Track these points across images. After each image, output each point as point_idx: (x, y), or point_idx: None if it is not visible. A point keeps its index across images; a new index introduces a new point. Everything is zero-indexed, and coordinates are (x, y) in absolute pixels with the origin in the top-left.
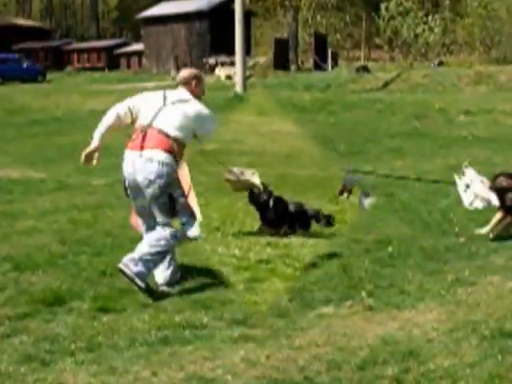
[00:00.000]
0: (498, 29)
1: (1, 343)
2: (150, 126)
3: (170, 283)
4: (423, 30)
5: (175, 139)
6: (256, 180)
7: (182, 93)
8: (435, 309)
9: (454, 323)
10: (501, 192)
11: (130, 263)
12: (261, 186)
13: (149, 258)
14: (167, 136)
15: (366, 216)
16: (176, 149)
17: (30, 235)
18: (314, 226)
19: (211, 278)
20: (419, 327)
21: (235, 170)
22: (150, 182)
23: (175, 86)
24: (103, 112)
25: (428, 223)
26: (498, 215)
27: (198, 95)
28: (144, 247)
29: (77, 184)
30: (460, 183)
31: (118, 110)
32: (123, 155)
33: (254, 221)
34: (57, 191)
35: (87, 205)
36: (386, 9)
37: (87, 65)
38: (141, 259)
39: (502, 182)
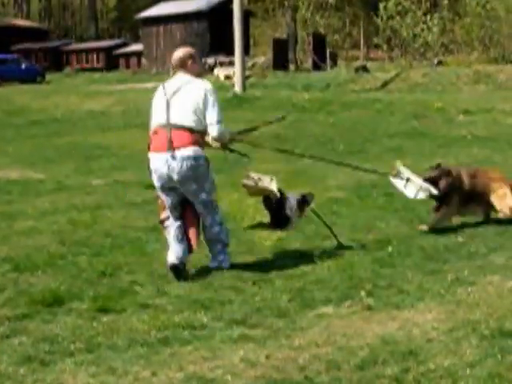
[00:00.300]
0: (496, 28)
1: (0, 344)
2: (168, 124)
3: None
4: (422, 30)
5: (196, 131)
6: (274, 187)
7: (181, 77)
8: (435, 308)
9: (454, 323)
10: (431, 183)
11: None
12: (278, 193)
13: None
14: (189, 130)
15: (366, 216)
16: (200, 139)
17: (29, 236)
18: (313, 228)
19: (210, 277)
20: (419, 327)
21: (253, 175)
22: (188, 180)
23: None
24: (102, 113)
25: (427, 223)
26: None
27: (197, 73)
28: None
29: (76, 184)
30: (397, 181)
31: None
32: (148, 159)
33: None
34: (56, 192)
35: (86, 205)
36: (385, 8)
37: (86, 65)
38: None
39: (430, 173)
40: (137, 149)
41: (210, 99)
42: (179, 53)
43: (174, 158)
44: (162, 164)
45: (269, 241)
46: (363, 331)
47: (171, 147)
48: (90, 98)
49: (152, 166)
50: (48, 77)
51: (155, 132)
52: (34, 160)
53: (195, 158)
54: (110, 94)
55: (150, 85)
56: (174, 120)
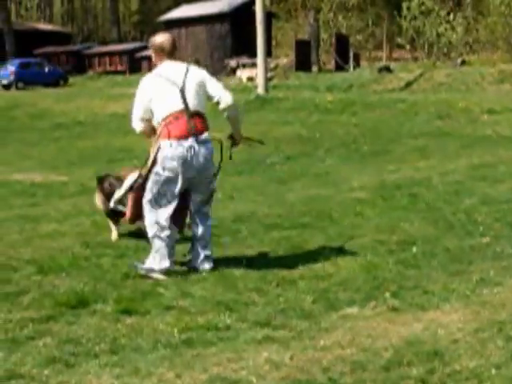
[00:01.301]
0: None
1: (25, 346)
2: (187, 110)
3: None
4: (445, 29)
5: (205, 116)
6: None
7: (177, 64)
8: (460, 309)
9: (480, 323)
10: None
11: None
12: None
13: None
14: (203, 116)
15: (390, 216)
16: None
17: (53, 238)
18: (336, 229)
19: (234, 279)
20: (444, 328)
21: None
22: (209, 164)
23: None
24: (124, 115)
25: (452, 223)
26: None
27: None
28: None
29: None
30: None
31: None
32: (165, 146)
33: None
34: (79, 194)
35: None
36: (408, 8)
37: (109, 68)
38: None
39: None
40: None
41: (208, 77)
42: (169, 38)
43: (198, 143)
44: (185, 150)
45: (290, 242)
46: (388, 332)
47: (195, 133)
48: (113, 101)
49: (172, 153)
50: (71, 80)
51: (173, 119)
52: (57, 163)
53: (210, 143)
54: (133, 96)
55: None
56: (193, 106)
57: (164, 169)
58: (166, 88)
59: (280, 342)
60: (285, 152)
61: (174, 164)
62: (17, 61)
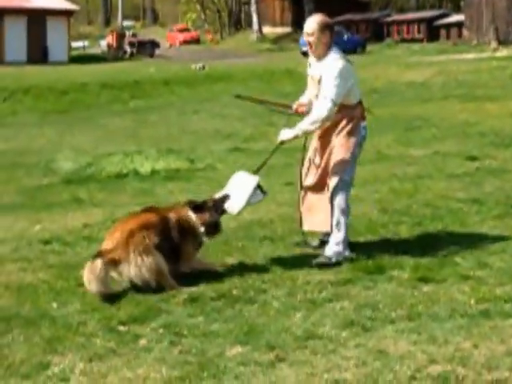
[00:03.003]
0: None
1: (323, 308)
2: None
3: None
4: None
5: None
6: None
7: None
8: None
9: None
10: None
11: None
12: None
13: None
14: None
15: None
16: None
17: (351, 203)
18: None
19: None
20: None
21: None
22: None
23: (493, 59)
24: (422, 84)
25: None
26: None
27: None
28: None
29: (396, 155)
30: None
31: None
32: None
33: None
34: (376, 161)
35: (407, 175)
36: None
37: (406, 36)
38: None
39: None
40: (457, 120)
41: None
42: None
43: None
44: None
45: None
46: None
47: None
48: (410, 69)
49: (364, 133)
50: (368, 47)
51: (359, 103)
52: None
53: None
54: (430, 65)
55: (470, 56)
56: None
57: (359, 150)
58: (354, 75)
59: None
60: None
61: (360, 144)
62: None
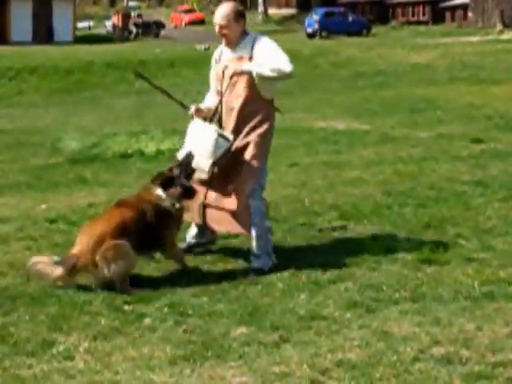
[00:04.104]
0: None
1: (327, 289)
2: None
3: None
4: None
5: None
6: None
7: None
8: None
9: None
10: None
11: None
12: None
13: None
14: None
15: None
16: None
17: (355, 185)
18: None
19: None
20: None
21: None
22: None
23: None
24: (427, 66)
25: None
26: None
27: None
28: None
29: (401, 136)
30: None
31: None
32: None
33: None
34: (381, 143)
35: (411, 157)
36: None
37: (411, 18)
38: None
39: None
40: (462, 102)
41: None
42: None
43: None
44: None
45: None
46: None
47: None
48: (415, 51)
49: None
50: (373, 30)
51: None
52: (358, 111)
53: None
54: (435, 47)
55: (474, 38)
56: None
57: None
58: None
59: None
60: None
61: None
62: (321, 10)
